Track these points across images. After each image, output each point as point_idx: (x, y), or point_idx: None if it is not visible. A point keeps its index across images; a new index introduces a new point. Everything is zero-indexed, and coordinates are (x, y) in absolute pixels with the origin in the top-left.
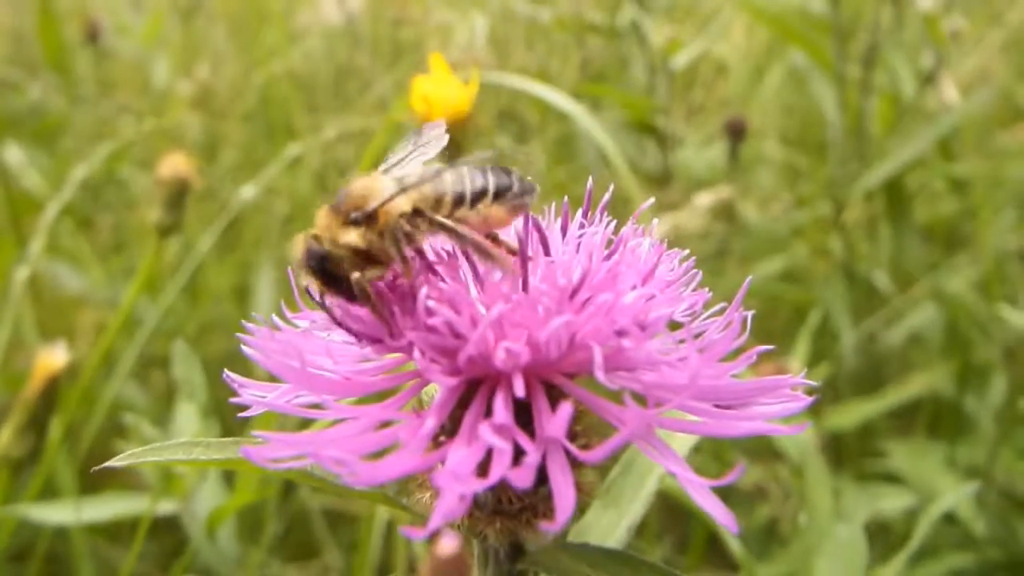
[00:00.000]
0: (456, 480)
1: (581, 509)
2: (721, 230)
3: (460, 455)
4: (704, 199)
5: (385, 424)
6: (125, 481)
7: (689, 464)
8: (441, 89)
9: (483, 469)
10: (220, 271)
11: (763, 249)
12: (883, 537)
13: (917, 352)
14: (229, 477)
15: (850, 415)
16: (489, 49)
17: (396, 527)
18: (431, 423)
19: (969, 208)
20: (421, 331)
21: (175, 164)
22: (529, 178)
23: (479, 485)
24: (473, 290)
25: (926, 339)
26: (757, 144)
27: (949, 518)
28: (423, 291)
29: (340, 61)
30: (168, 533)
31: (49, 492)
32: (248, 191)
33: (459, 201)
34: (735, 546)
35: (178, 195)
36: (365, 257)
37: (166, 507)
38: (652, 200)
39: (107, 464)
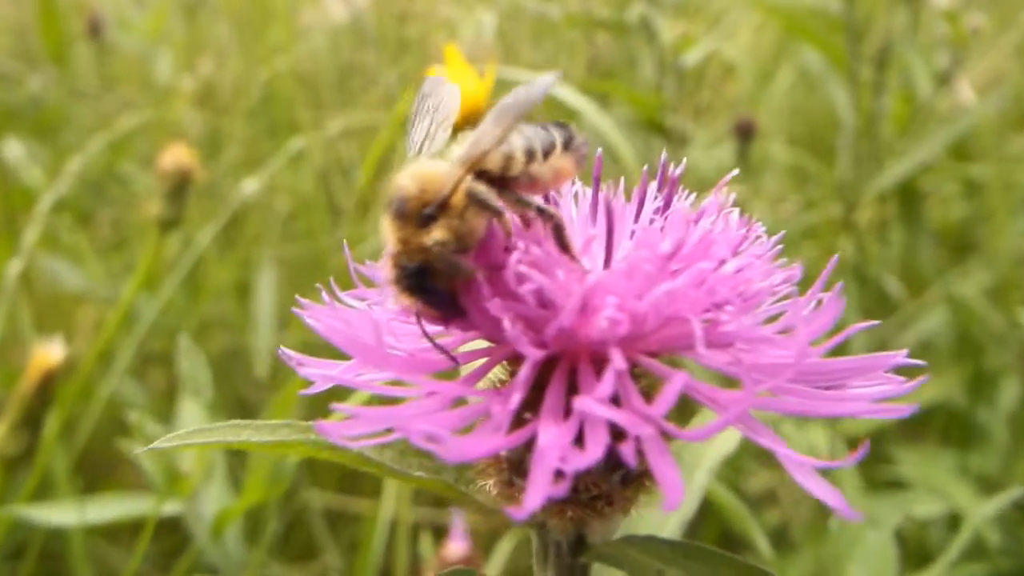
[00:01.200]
0: (556, 454)
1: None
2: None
3: (552, 432)
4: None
5: (460, 402)
6: (125, 477)
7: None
8: (457, 81)
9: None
10: (221, 268)
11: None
12: (898, 545)
13: (928, 358)
14: (235, 477)
15: (862, 421)
16: (496, 46)
17: (398, 528)
18: (516, 397)
19: (982, 212)
20: (510, 300)
21: (177, 155)
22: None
23: (581, 460)
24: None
25: (937, 345)
26: (766, 145)
27: (959, 526)
28: (514, 257)
29: (345, 57)
30: (169, 533)
31: (45, 489)
32: (250, 186)
33: (531, 156)
34: (763, 546)
35: (179, 187)
36: (456, 248)
37: (171, 508)
38: (737, 171)
39: (147, 448)
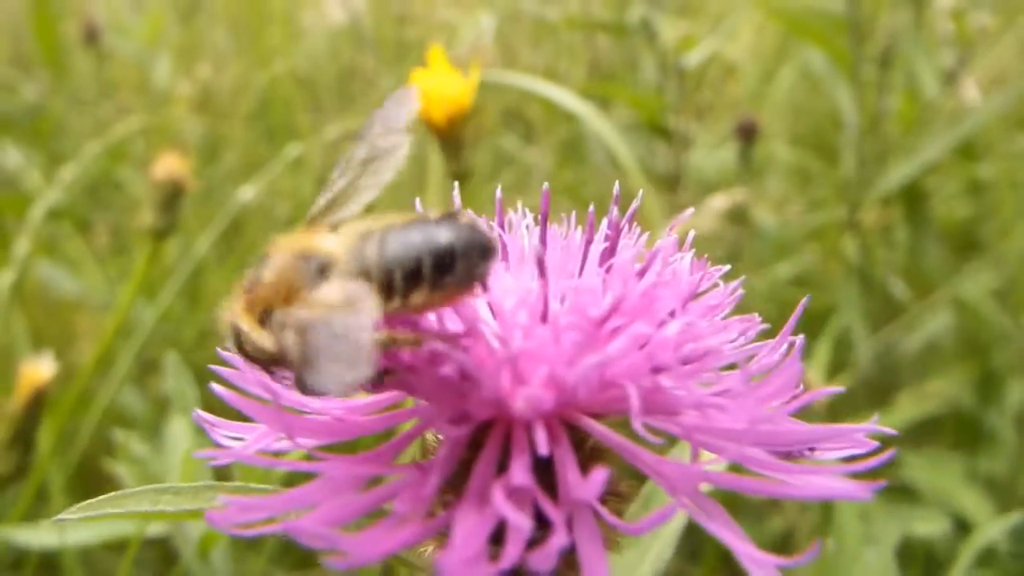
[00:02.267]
0: (463, 565)
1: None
2: (734, 233)
3: (468, 525)
4: (718, 202)
5: (379, 478)
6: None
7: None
8: (441, 83)
9: (498, 536)
10: (221, 275)
11: (776, 253)
12: (903, 555)
13: (934, 359)
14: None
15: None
16: (495, 48)
17: None
18: (433, 482)
19: (987, 212)
20: (425, 376)
21: (169, 165)
22: (489, 231)
23: (489, 571)
24: (487, 318)
25: (943, 346)
26: (769, 146)
27: (968, 531)
28: (429, 337)
29: (343, 61)
30: (165, 541)
31: (42, 499)
32: (247, 191)
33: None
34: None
35: (172, 197)
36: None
37: (156, 529)
38: (691, 210)
39: (63, 516)
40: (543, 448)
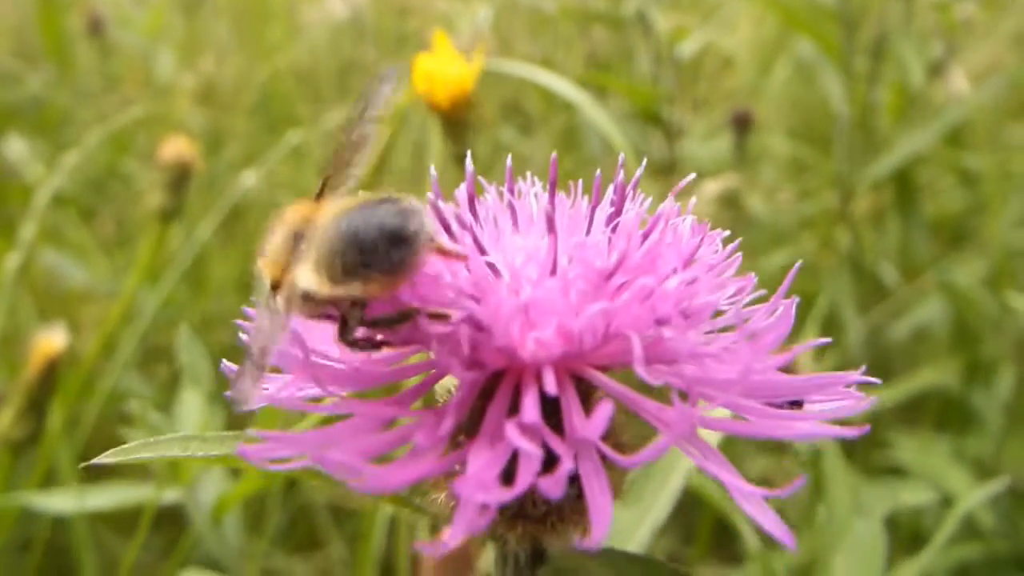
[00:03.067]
0: (480, 489)
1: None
2: (727, 219)
3: (482, 459)
4: (711, 187)
5: (396, 422)
6: (129, 469)
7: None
8: (444, 67)
9: (508, 473)
10: (223, 263)
11: (769, 241)
12: (890, 531)
13: (924, 346)
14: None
15: (869, 395)
16: (493, 39)
17: (400, 520)
18: (449, 422)
19: (977, 202)
20: (440, 328)
21: (177, 147)
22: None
23: (505, 495)
24: (497, 273)
25: (933, 333)
26: (763, 137)
27: (954, 511)
28: (443, 285)
29: (344, 53)
30: (172, 524)
31: (50, 481)
32: (249, 177)
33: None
34: (752, 539)
35: (180, 179)
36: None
37: (170, 496)
38: (694, 175)
39: (100, 459)
40: (551, 387)
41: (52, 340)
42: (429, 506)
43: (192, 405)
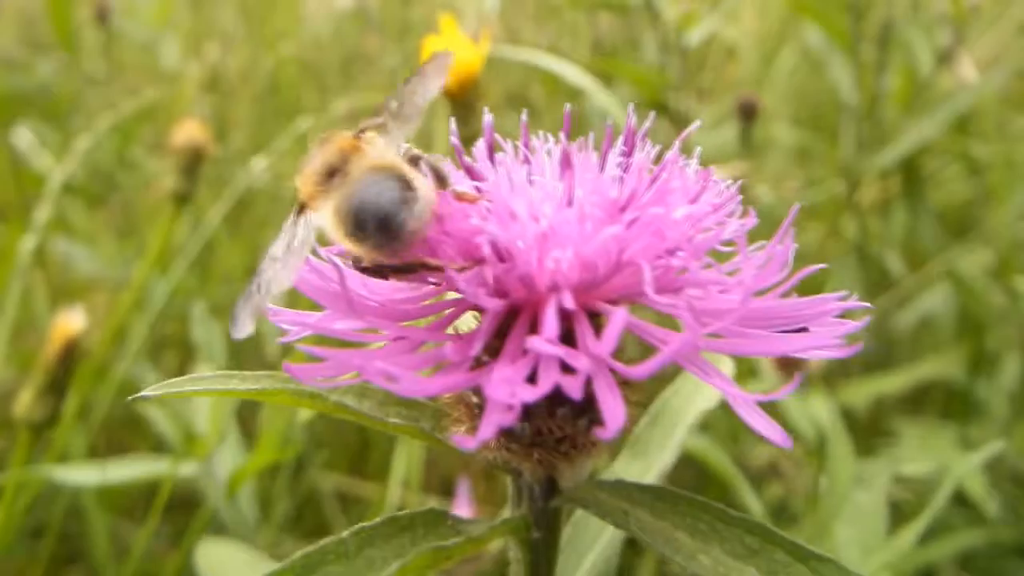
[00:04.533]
0: (506, 386)
1: (612, 453)
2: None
3: (508, 368)
4: (717, 175)
5: (428, 347)
6: (141, 451)
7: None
8: (452, 48)
9: (531, 383)
10: (231, 252)
11: (775, 229)
12: (895, 513)
13: (929, 335)
14: (248, 440)
15: (862, 391)
16: (499, 27)
17: (406, 509)
18: (478, 345)
19: (983, 191)
20: (464, 253)
21: (190, 131)
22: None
23: (529, 393)
24: (517, 207)
25: (938, 322)
26: (769, 125)
27: (961, 499)
28: (470, 209)
29: (349, 41)
30: (182, 510)
31: (65, 461)
32: (258, 164)
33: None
34: (756, 508)
35: (193, 162)
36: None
37: (187, 469)
38: (700, 122)
39: (143, 393)
40: (569, 303)
41: (71, 321)
42: (449, 440)
43: None
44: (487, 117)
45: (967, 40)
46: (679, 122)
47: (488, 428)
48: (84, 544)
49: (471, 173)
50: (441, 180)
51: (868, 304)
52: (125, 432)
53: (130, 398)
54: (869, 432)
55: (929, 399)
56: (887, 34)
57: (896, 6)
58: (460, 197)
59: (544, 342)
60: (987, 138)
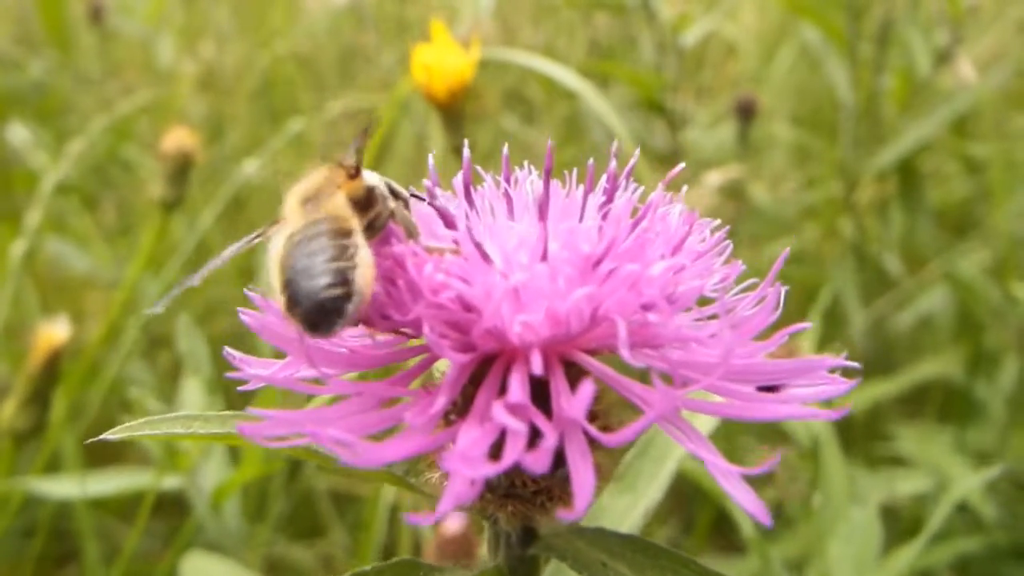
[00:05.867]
0: (467, 463)
1: (596, 493)
2: (731, 210)
3: (471, 436)
4: (714, 178)
5: (392, 401)
6: (130, 457)
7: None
8: (442, 57)
9: (496, 451)
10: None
11: (772, 230)
12: (892, 521)
13: (927, 336)
14: (234, 452)
15: (860, 396)
16: (495, 27)
17: (401, 507)
18: (441, 401)
19: (982, 191)
20: (431, 306)
21: (179, 138)
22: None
23: (491, 469)
24: (489, 257)
25: (936, 323)
26: (767, 125)
27: (958, 503)
28: (428, 266)
29: (345, 40)
30: (174, 511)
31: (53, 468)
32: (251, 165)
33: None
34: (748, 528)
35: (182, 169)
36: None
37: (171, 482)
38: (683, 165)
39: (105, 435)
40: (537, 368)
41: (55, 331)
42: (423, 485)
43: (193, 392)
44: (465, 152)
45: (966, 39)
46: (676, 123)
47: (448, 503)
48: (75, 543)
49: (445, 218)
50: (410, 231)
51: (857, 364)
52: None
53: (90, 440)
54: (867, 434)
55: (928, 400)
56: (885, 33)
57: (895, 5)
58: (430, 251)
59: (507, 413)
60: (986, 137)
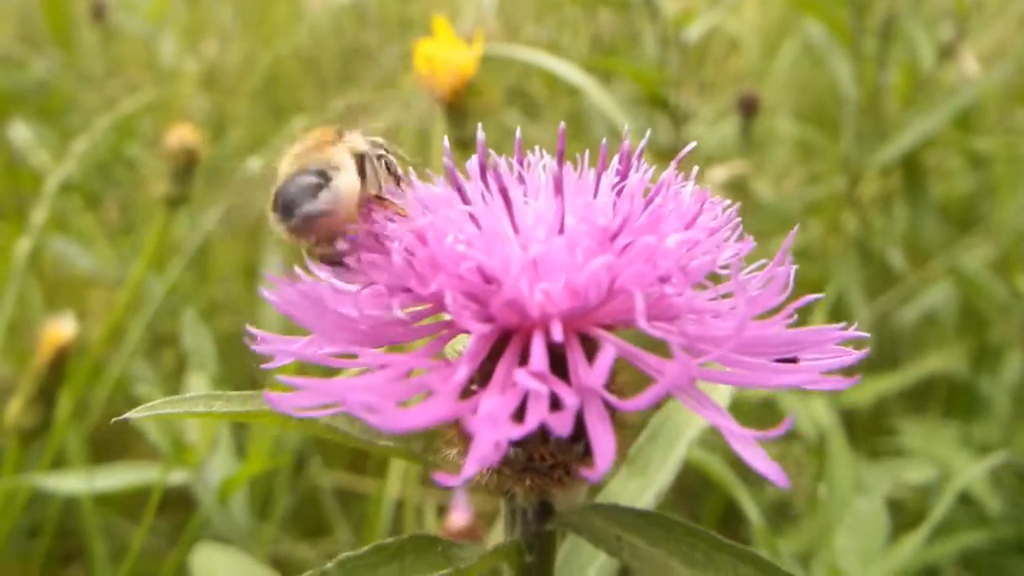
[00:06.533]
0: (492, 424)
1: (611, 471)
2: (734, 205)
3: (494, 402)
4: (718, 174)
5: (415, 373)
6: (135, 454)
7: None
8: (445, 51)
9: (519, 418)
10: (228, 249)
11: (776, 225)
12: (897, 514)
13: (932, 331)
14: (240, 447)
15: (864, 391)
16: (498, 23)
17: (405, 505)
18: (464, 371)
19: (986, 185)
20: (451, 277)
21: (183, 135)
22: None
23: (516, 431)
24: (508, 231)
25: (941, 318)
26: (770, 120)
27: (963, 497)
28: (450, 235)
29: (347, 38)
30: (180, 508)
31: (59, 466)
32: (253, 164)
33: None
34: (756, 520)
35: (186, 167)
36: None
37: (178, 476)
38: (694, 144)
39: (126, 416)
40: (557, 335)
41: (61, 329)
42: (442, 462)
43: (197, 387)
44: (479, 135)
45: (970, 33)
46: (679, 119)
47: (473, 466)
48: (81, 541)
49: (462, 194)
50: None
51: (866, 335)
52: (122, 429)
53: (112, 420)
54: (871, 429)
55: (932, 395)
56: (889, 28)
57: (898, 0)
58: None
59: (530, 377)
60: (990, 132)
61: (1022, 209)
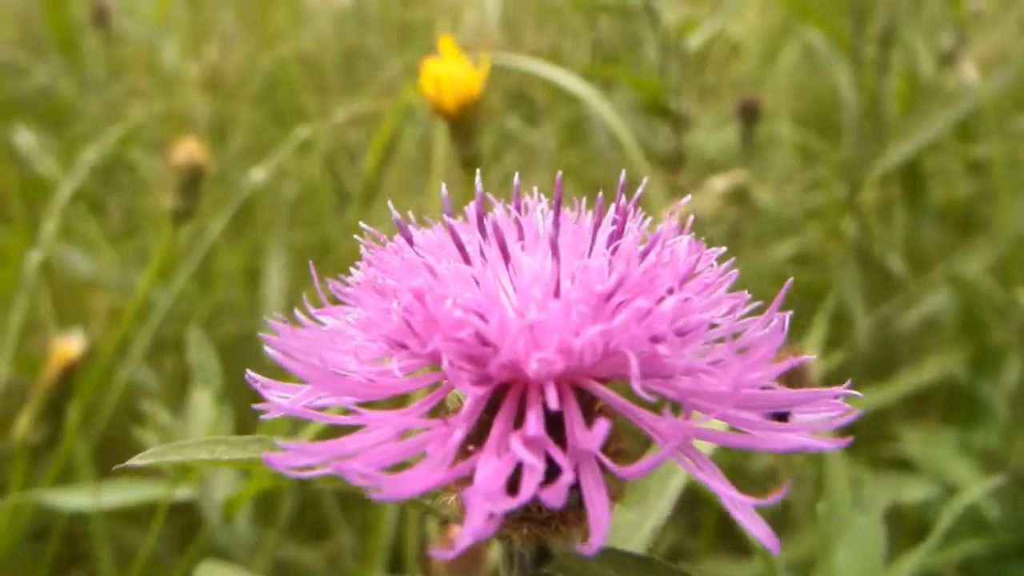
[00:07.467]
0: (485, 498)
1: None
2: (734, 214)
3: (489, 469)
4: (719, 183)
5: (409, 432)
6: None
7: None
8: (451, 71)
9: (513, 483)
10: (231, 255)
11: (776, 232)
12: (897, 524)
13: (932, 337)
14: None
15: (864, 401)
16: (500, 30)
17: (408, 509)
18: (459, 434)
19: (986, 191)
20: (448, 340)
21: (189, 150)
22: None
23: (509, 503)
24: (503, 293)
25: (941, 324)
26: (771, 126)
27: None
28: (447, 302)
29: (349, 43)
30: (184, 515)
31: (67, 475)
32: (258, 174)
33: None
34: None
35: (192, 181)
36: None
37: (183, 493)
38: (689, 197)
39: (129, 463)
40: (553, 403)
41: (69, 346)
42: (441, 508)
43: (203, 404)
44: (478, 187)
45: (969, 41)
46: (680, 126)
47: (467, 539)
48: (85, 546)
49: (463, 254)
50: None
51: (859, 394)
52: (130, 437)
53: (115, 468)
54: (871, 435)
55: (932, 401)
56: (889, 35)
57: (898, 7)
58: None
59: (524, 447)
60: (990, 138)
61: (1022, 215)
